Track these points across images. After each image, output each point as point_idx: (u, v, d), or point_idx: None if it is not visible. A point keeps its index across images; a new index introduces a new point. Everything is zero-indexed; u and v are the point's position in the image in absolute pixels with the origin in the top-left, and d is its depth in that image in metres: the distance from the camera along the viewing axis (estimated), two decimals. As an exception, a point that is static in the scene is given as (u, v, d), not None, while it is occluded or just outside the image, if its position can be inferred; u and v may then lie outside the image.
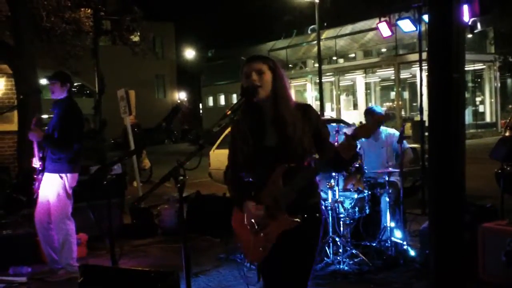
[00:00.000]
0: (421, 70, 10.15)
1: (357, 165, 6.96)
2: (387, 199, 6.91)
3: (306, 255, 3.46)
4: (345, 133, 3.32)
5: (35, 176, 6.67)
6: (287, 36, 45.67)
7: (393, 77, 34.89)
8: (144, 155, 16.73)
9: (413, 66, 32.09)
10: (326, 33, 39.20)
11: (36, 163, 6.66)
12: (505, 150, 7.45)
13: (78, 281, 3.84)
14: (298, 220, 3.31)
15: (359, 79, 38.98)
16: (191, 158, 3.26)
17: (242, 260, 6.91)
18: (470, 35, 22.94)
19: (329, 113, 35.29)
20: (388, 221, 6.85)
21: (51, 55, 15.78)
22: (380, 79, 38.97)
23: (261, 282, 3.64)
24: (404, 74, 35.08)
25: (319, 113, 3.55)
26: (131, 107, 12.11)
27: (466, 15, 9.14)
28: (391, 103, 38.09)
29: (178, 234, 8.59)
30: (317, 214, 3.46)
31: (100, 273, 3.81)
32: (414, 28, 10.84)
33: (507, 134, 13.51)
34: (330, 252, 6.49)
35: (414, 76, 34.23)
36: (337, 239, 6.52)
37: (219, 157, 13.56)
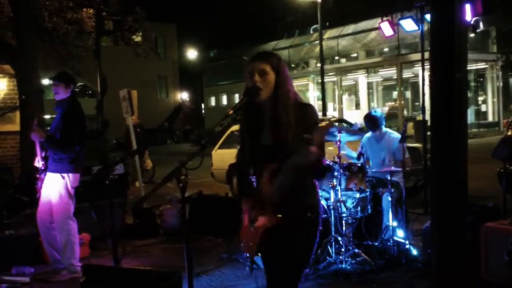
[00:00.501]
0: (423, 69, 10.13)
1: (360, 165, 6.98)
2: (389, 199, 6.91)
3: (292, 254, 3.44)
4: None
5: (38, 176, 6.67)
6: (289, 36, 45.68)
7: (395, 77, 34.87)
8: (146, 156, 16.74)
9: (415, 65, 32.11)
10: (329, 33, 39.21)
11: (39, 162, 6.66)
12: (507, 149, 7.43)
13: (80, 280, 3.85)
14: (279, 217, 3.33)
15: (361, 79, 38.98)
16: (193, 158, 3.26)
17: (245, 260, 6.92)
18: (472, 35, 22.93)
19: (331, 113, 35.28)
20: (390, 221, 6.85)
21: (53, 56, 15.81)
22: (382, 79, 38.96)
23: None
24: (406, 74, 35.07)
25: (318, 113, 3.49)
26: (133, 107, 12.12)
27: (468, 15, 9.12)
28: (393, 103, 38.08)
29: (180, 234, 8.55)
30: (309, 214, 3.41)
31: (102, 272, 3.81)
32: (417, 28, 10.82)
33: (509, 133, 13.48)
34: (332, 252, 6.48)
35: (416, 75, 34.22)
36: (339, 238, 6.51)
37: (221, 157, 13.59)
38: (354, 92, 41.35)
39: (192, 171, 3.23)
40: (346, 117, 30.53)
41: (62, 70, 8.33)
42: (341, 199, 6.63)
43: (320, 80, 28.39)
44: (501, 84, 35.15)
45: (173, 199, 9.27)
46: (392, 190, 6.93)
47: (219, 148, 13.89)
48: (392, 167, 7.04)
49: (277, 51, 42.75)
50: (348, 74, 39.40)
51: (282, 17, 50.96)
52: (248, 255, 3.70)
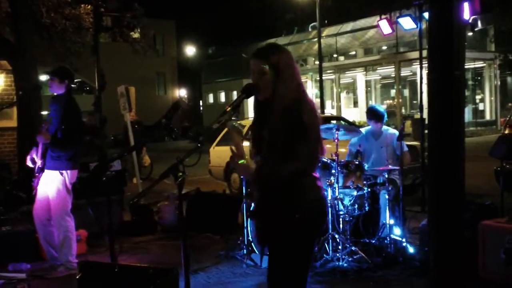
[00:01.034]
0: (421, 68, 10.15)
1: (357, 163, 6.98)
2: (387, 197, 6.91)
3: (281, 253, 3.43)
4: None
5: (37, 174, 6.66)
6: (288, 34, 45.65)
7: (394, 75, 34.88)
8: (144, 152, 16.73)
9: (414, 64, 32.08)
10: (327, 31, 39.19)
11: (36, 162, 6.64)
12: (504, 148, 7.44)
13: (77, 277, 3.85)
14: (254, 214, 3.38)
15: (360, 77, 38.97)
16: (191, 155, 3.26)
17: (242, 257, 6.93)
18: (470, 33, 22.95)
19: (329, 111, 35.27)
20: (388, 219, 6.86)
21: (51, 52, 15.77)
22: (380, 77, 38.95)
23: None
24: (404, 72, 35.07)
25: (311, 116, 3.36)
26: (131, 104, 12.11)
27: (466, 13, 9.12)
28: (391, 101, 38.10)
29: (177, 231, 8.58)
30: (297, 215, 3.34)
31: (98, 269, 3.81)
32: (415, 26, 10.84)
33: (506, 132, 13.50)
34: (329, 249, 6.48)
35: (414, 74, 34.20)
36: (336, 236, 6.52)
37: (219, 154, 13.58)
38: (352, 90, 41.33)
39: (189, 168, 3.22)
40: (344, 115, 30.53)
41: (60, 65, 8.29)
42: (338, 197, 6.64)
43: (318, 78, 28.37)
44: (499, 82, 35.17)
45: (170, 195, 9.27)
46: (390, 188, 6.94)
47: (216, 145, 13.89)
48: (390, 166, 7.04)
49: (275, 49, 42.76)
50: (346, 72, 39.39)
51: (280, 15, 50.90)
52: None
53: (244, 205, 7.24)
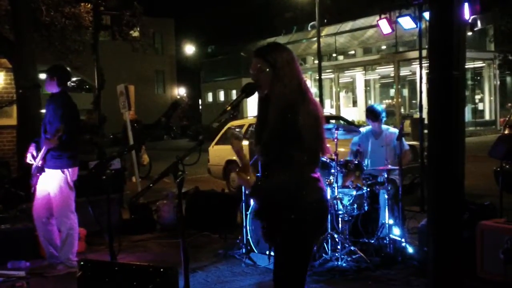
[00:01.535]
0: (421, 67, 10.15)
1: (356, 162, 6.99)
2: (386, 196, 6.91)
3: (281, 253, 3.48)
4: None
5: (38, 174, 6.65)
6: (287, 33, 45.68)
7: (393, 75, 34.91)
8: (143, 151, 16.72)
9: (413, 63, 32.11)
10: (326, 30, 39.22)
11: (35, 160, 6.63)
12: (504, 148, 7.44)
13: (76, 275, 3.85)
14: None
15: (359, 76, 39.00)
16: (190, 154, 3.26)
17: (241, 256, 6.93)
18: (470, 33, 22.94)
19: (328, 110, 35.28)
20: (387, 218, 6.85)
21: (51, 50, 15.77)
22: (379, 76, 38.98)
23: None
24: (403, 72, 35.10)
25: (305, 111, 3.34)
26: (131, 102, 12.10)
27: (466, 13, 9.13)
28: (390, 101, 38.12)
29: (176, 229, 8.59)
30: (292, 216, 3.34)
31: (98, 267, 3.81)
32: (415, 26, 10.83)
33: (506, 132, 13.50)
34: (328, 249, 6.48)
35: (413, 73, 34.22)
36: (335, 235, 6.52)
37: (218, 153, 13.60)
38: (351, 90, 41.37)
39: (189, 166, 3.22)
40: (343, 114, 30.55)
41: (60, 64, 8.29)
42: (337, 197, 6.64)
43: (317, 77, 28.38)
44: (498, 82, 35.22)
45: (169, 194, 9.27)
46: (389, 188, 6.94)
47: (215, 144, 13.90)
48: (389, 166, 7.04)
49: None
50: (345, 71, 39.43)
51: (280, 14, 50.99)
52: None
53: (243, 204, 7.24)
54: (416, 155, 10.28)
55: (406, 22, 11.02)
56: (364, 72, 38.21)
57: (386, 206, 6.88)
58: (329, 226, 6.55)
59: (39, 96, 11.55)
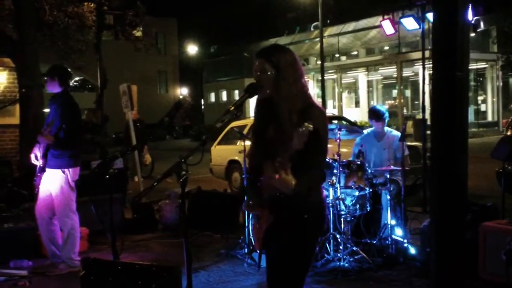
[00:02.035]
0: (423, 68, 10.13)
1: (359, 163, 6.99)
2: (388, 197, 6.91)
3: (287, 253, 3.44)
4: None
5: (38, 174, 6.67)
6: (290, 33, 45.69)
7: (395, 75, 34.86)
8: (145, 150, 16.73)
9: (416, 64, 32.12)
10: (329, 31, 39.19)
11: (38, 160, 6.65)
12: (506, 149, 7.44)
13: (80, 274, 3.86)
14: (272, 215, 3.35)
15: (361, 77, 38.97)
16: (193, 154, 3.26)
17: (243, 256, 6.94)
18: (473, 34, 22.93)
19: (331, 111, 35.28)
20: (389, 219, 6.85)
21: (54, 49, 15.79)
22: (382, 77, 38.95)
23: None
24: (406, 72, 35.07)
25: (323, 116, 3.37)
26: (133, 102, 12.11)
27: (469, 14, 9.12)
28: (393, 101, 38.09)
29: (178, 229, 8.61)
30: (306, 215, 3.37)
31: (101, 266, 3.82)
32: (418, 26, 10.82)
33: (508, 133, 13.49)
34: (330, 249, 6.49)
35: (416, 74, 34.23)
36: (337, 236, 6.53)
37: (220, 153, 13.62)
38: (354, 90, 41.35)
39: (191, 166, 3.23)
40: (345, 115, 30.53)
41: (60, 63, 8.30)
42: (340, 197, 6.64)
43: (320, 78, 28.36)
44: (501, 83, 35.16)
45: (171, 194, 9.28)
46: (391, 188, 6.94)
47: (218, 144, 13.91)
48: (391, 166, 7.04)
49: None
50: (348, 72, 39.40)
51: (283, 14, 50.97)
52: (258, 251, 3.70)
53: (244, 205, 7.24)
54: (419, 156, 10.27)
55: (409, 23, 11.01)
56: (366, 72, 38.19)
57: (389, 207, 6.88)
58: (331, 226, 6.56)
59: (41, 95, 11.56)
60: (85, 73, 29.34)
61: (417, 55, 28.29)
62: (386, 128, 7.70)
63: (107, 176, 5.13)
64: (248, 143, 6.92)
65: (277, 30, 47.76)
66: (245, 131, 10.79)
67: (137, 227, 8.88)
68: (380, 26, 12.60)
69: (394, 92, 37.78)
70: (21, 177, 9.97)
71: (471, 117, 32.85)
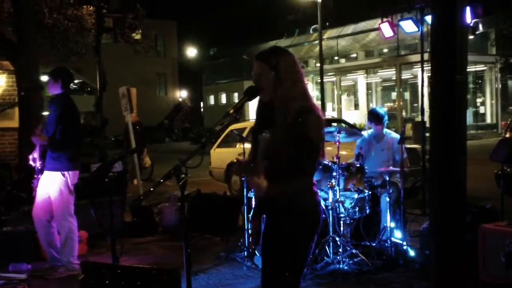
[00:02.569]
0: (422, 71, 10.15)
1: (358, 165, 6.99)
2: (388, 199, 6.92)
3: (278, 253, 3.45)
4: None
5: (36, 176, 6.67)
6: (289, 36, 45.69)
7: (395, 78, 34.87)
8: (145, 153, 16.74)
9: (415, 66, 32.11)
10: (328, 33, 39.21)
11: (36, 162, 6.65)
12: (505, 151, 7.45)
13: (79, 277, 3.86)
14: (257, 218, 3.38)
15: (361, 79, 38.98)
16: (193, 157, 3.27)
17: (242, 259, 6.93)
18: (471, 36, 22.96)
19: (330, 113, 35.29)
20: (388, 221, 6.86)
21: (54, 52, 15.80)
22: (381, 80, 38.96)
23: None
24: (405, 75, 35.06)
25: (319, 123, 3.39)
26: (133, 105, 12.11)
27: (468, 17, 9.13)
28: (392, 104, 38.09)
29: (178, 232, 8.60)
30: (293, 219, 3.38)
31: (101, 270, 3.82)
32: (417, 29, 10.82)
33: (507, 135, 13.51)
34: (330, 252, 6.49)
35: (415, 76, 34.22)
36: (337, 238, 6.53)
37: (219, 155, 13.61)
38: (353, 93, 41.36)
39: (190, 169, 3.23)
40: (344, 117, 30.56)
41: (63, 66, 8.31)
42: (339, 200, 6.64)
43: (319, 80, 28.40)
44: (500, 86, 35.17)
45: (171, 197, 9.27)
46: (391, 191, 6.94)
47: (217, 147, 13.90)
48: (391, 167, 7.05)
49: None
50: (347, 75, 39.40)
51: (282, 16, 50.99)
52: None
53: (245, 206, 7.25)
54: (418, 158, 10.27)
55: (408, 26, 11.02)
56: (366, 75, 38.19)
57: (388, 209, 6.88)
58: (330, 229, 6.56)
59: (41, 98, 11.55)
60: (84, 76, 29.39)
61: (416, 57, 28.26)
62: (385, 130, 7.71)
63: (107, 179, 5.13)
64: (247, 145, 6.93)
65: (276, 33, 47.75)
66: (244, 134, 10.80)
67: (137, 230, 8.87)
68: (379, 28, 12.59)
69: (393, 95, 37.78)
70: (20, 180, 9.96)
71: (470, 119, 32.85)
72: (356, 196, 6.72)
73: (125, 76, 36.50)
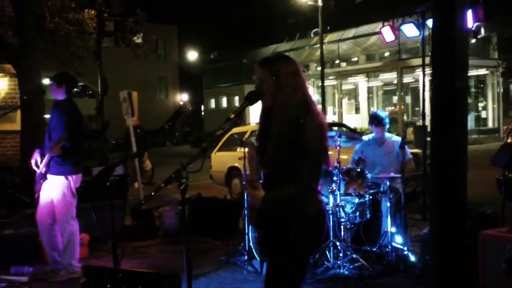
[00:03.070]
0: (424, 75, 10.15)
1: (359, 170, 6.99)
2: (388, 204, 6.92)
3: (276, 262, 3.49)
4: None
5: (42, 181, 6.67)
6: (290, 39, 45.71)
7: (396, 82, 34.89)
8: (146, 157, 16.75)
9: (416, 70, 32.13)
10: (329, 37, 39.23)
11: (40, 167, 6.65)
12: (507, 156, 7.44)
13: (80, 281, 3.87)
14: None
15: (362, 83, 39.00)
16: (194, 161, 3.28)
17: (243, 263, 6.93)
18: (473, 40, 22.96)
19: (331, 117, 35.30)
20: (389, 226, 6.86)
21: (55, 56, 15.82)
22: (382, 83, 38.97)
23: None
24: (406, 79, 35.08)
25: (312, 126, 3.39)
26: (134, 108, 12.12)
27: (469, 21, 9.13)
28: (393, 108, 38.10)
29: (178, 236, 8.60)
30: (293, 226, 3.38)
31: (102, 274, 3.83)
32: (418, 33, 10.82)
33: (509, 140, 13.50)
34: (330, 256, 6.49)
35: (416, 80, 34.25)
36: (337, 243, 6.53)
37: (220, 159, 13.62)
38: (354, 96, 41.37)
39: (191, 174, 3.24)
40: (345, 121, 30.55)
41: (63, 70, 8.32)
42: (340, 204, 6.64)
43: (320, 84, 28.45)
44: (502, 90, 35.16)
45: (172, 200, 9.28)
46: (391, 196, 6.94)
47: (218, 150, 13.92)
48: (392, 173, 7.05)
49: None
50: (348, 78, 39.43)
51: (283, 20, 50.99)
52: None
53: (245, 210, 7.25)
54: (419, 163, 10.27)
55: (409, 30, 11.01)
56: (367, 79, 38.21)
57: (388, 214, 6.88)
58: (331, 233, 6.56)
59: (43, 101, 11.57)
60: (86, 79, 29.41)
61: (418, 61, 28.29)
62: (387, 134, 7.71)
63: (108, 183, 5.14)
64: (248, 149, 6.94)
65: (277, 36, 47.76)
66: (244, 138, 10.80)
67: (138, 233, 8.87)
68: (380, 33, 12.60)
69: (395, 99, 37.79)
70: (22, 183, 9.97)
71: (471, 124, 32.86)
72: (356, 200, 6.72)
73: (126, 79, 36.46)
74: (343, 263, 6.36)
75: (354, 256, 6.45)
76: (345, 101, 40.55)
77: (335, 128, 13.10)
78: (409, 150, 7.61)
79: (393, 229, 6.90)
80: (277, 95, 3.37)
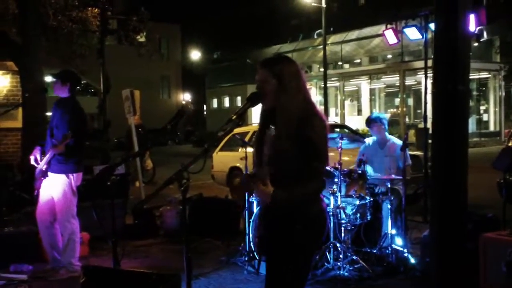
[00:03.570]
0: (426, 77, 10.15)
1: (360, 171, 6.99)
2: (389, 206, 6.91)
3: (279, 262, 3.48)
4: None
5: (42, 178, 6.67)
6: (293, 40, 45.70)
7: (398, 84, 34.84)
8: (147, 156, 16.76)
9: (418, 73, 32.06)
10: (332, 38, 39.22)
11: (40, 164, 6.65)
12: (508, 160, 7.43)
13: (80, 281, 3.87)
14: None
15: (364, 85, 38.96)
16: (196, 161, 3.28)
17: (243, 263, 6.93)
18: (475, 44, 22.96)
19: (333, 118, 35.27)
20: (389, 228, 6.86)
21: (58, 54, 15.82)
22: (385, 85, 38.93)
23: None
24: (409, 81, 35.04)
25: (322, 128, 3.41)
26: (136, 107, 12.13)
27: (472, 24, 9.13)
28: (395, 110, 38.07)
29: (179, 235, 8.60)
30: (298, 226, 3.38)
31: (102, 274, 3.83)
32: (421, 36, 10.82)
33: (510, 144, 13.46)
34: (330, 258, 6.49)
35: (419, 83, 34.18)
36: (338, 244, 6.53)
37: (222, 159, 13.62)
38: (357, 98, 41.32)
39: (192, 174, 3.24)
40: (348, 122, 30.52)
41: (66, 68, 8.32)
42: (340, 206, 6.64)
43: (322, 85, 28.42)
44: (504, 93, 35.10)
45: (173, 200, 9.28)
46: (392, 198, 6.94)
47: (220, 150, 13.92)
48: (393, 175, 7.05)
49: (280, 55, 42.75)
50: (351, 80, 39.38)
51: (286, 21, 50.98)
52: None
53: (246, 211, 7.25)
54: (420, 165, 10.26)
55: (412, 33, 11.01)
56: (369, 81, 38.17)
57: (389, 216, 6.88)
58: (331, 235, 6.56)
59: (45, 99, 11.59)
60: (88, 78, 29.43)
61: (420, 64, 28.19)
62: (389, 136, 7.72)
63: (109, 182, 5.14)
64: (250, 150, 6.95)
65: (280, 37, 47.75)
66: (246, 138, 10.81)
67: (138, 232, 8.88)
68: (383, 35, 12.59)
69: (397, 101, 37.73)
70: (23, 180, 9.98)
71: (473, 127, 32.80)
72: (357, 202, 6.72)
73: (129, 78, 36.45)
74: (343, 264, 6.36)
75: (354, 257, 6.46)
76: (347, 102, 40.51)
77: (337, 129, 13.10)
78: (409, 155, 7.59)
79: (394, 231, 6.90)
80: (280, 96, 3.37)
